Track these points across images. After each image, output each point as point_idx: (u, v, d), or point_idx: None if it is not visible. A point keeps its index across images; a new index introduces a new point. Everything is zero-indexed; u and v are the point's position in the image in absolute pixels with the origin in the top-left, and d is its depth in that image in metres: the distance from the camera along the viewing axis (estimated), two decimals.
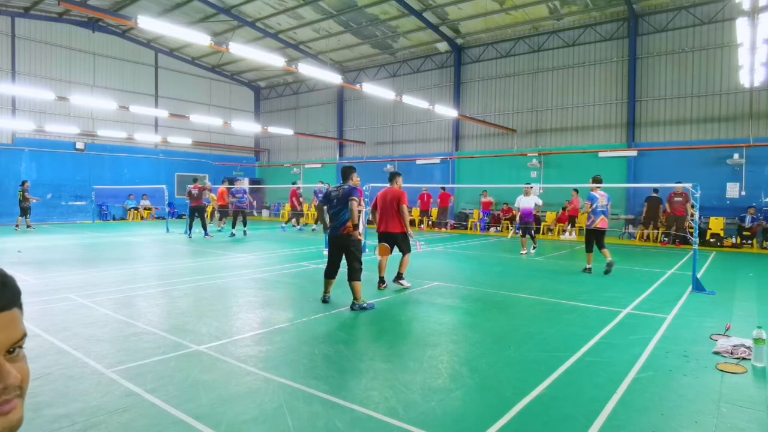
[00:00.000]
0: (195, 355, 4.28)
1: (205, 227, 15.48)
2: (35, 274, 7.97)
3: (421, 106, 16.82)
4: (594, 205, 9.12)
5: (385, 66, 23.20)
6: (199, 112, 24.70)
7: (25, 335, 0.68)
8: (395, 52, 22.38)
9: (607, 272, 8.98)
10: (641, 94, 16.57)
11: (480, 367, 4.09)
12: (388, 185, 7.64)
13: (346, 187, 6.22)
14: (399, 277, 7.51)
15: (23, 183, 16.85)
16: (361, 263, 6.16)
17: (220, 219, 18.45)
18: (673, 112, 16.10)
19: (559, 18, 17.69)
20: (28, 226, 16.76)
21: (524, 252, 12.15)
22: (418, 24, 19.12)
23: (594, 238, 9.25)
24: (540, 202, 12.26)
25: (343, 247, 6.18)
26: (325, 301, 6.33)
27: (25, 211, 16.69)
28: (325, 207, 6.40)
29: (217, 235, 15.99)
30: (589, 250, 9.36)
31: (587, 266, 9.32)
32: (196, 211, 15.53)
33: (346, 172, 6.38)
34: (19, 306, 0.67)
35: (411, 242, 7.67)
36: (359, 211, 12.33)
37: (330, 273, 6.32)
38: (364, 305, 6.02)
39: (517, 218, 12.48)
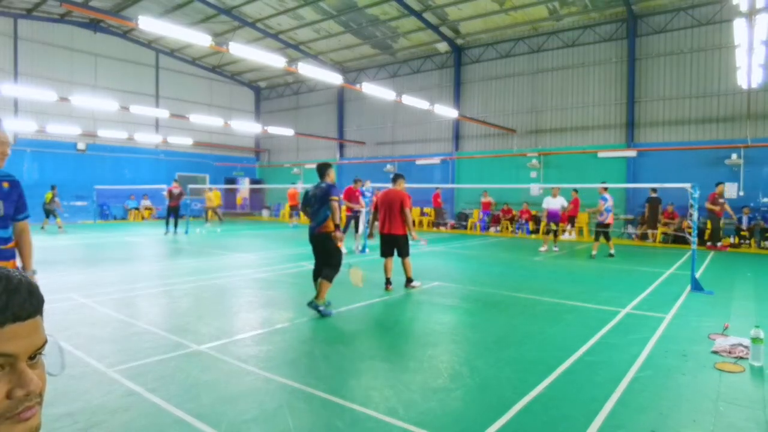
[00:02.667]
0: (196, 354, 4.30)
1: (176, 226, 16.31)
2: (37, 273, 7.98)
3: (421, 107, 16.83)
4: (606, 205, 11.32)
5: (385, 66, 23.22)
6: (200, 112, 24.72)
7: (46, 342, 0.69)
8: (395, 53, 22.41)
9: (611, 255, 11.32)
10: (640, 94, 16.60)
11: (480, 367, 4.11)
12: (390, 186, 7.64)
13: (324, 185, 5.91)
14: (409, 281, 7.48)
15: (53, 187, 17.12)
16: (337, 266, 5.84)
17: (291, 217, 19.88)
18: (671, 113, 16.12)
19: (558, 19, 17.71)
20: (42, 228, 16.87)
21: (544, 249, 12.70)
22: (418, 24, 19.14)
23: (603, 232, 11.30)
24: (566, 203, 12.80)
25: (320, 245, 5.92)
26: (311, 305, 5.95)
27: (49, 213, 16.93)
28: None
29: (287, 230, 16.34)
30: (597, 239, 11.48)
31: (594, 253, 11.41)
32: (174, 210, 16.16)
33: (322, 170, 6.05)
34: (41, 313, 0.69)
35: (418, 241, 7.79)
36: (359, 211, 12.34)
37: (317, 273, 6.05)
38: (321, 308, 5.62)
39: (535, 218, 13.16)
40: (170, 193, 16.21)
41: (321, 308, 5.65)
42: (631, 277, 8.83)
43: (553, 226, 12.59)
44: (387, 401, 3.34)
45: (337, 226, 5.80)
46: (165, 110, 22.31)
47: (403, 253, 7.39)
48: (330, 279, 5.72)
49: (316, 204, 5.86)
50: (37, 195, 20.28)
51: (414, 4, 17.73)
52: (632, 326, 5.39)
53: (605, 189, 11.48)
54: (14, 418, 0.63)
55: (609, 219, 11.37)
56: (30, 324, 0.66)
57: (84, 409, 3.16)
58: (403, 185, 7.57)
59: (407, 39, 20.79)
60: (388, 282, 7.31)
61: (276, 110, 28.38)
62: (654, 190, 15.33)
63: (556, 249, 12.84)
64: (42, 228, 17.10)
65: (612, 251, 11.45)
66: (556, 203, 12.49)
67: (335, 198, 5.77)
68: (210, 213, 21.18)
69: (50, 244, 13.04)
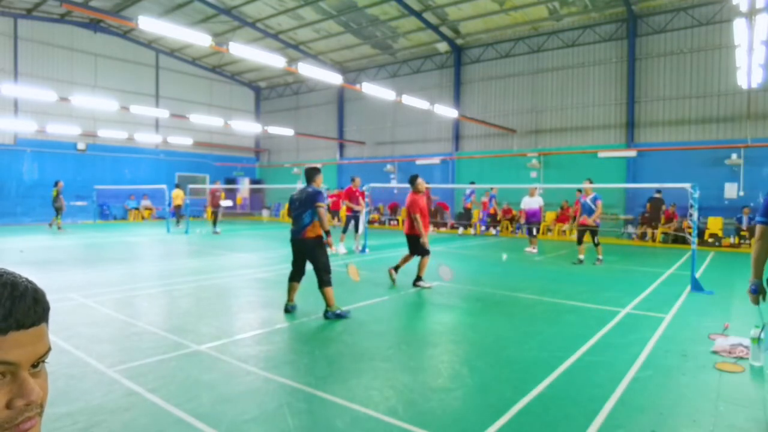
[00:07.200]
0: (196, 354, 4.30)
1: (215, 224, 17.06)
2: (37, 274, 7.98)
3: (421, 107, 16.84)
4: (599, 203, 10.43)
5: (385, 66, 23.22)
6: (200, 112, 24.72)
7: (49, 350, 0.67)
8: (395, 53, 22.41)
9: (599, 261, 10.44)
10: (640, 94, 16.60)
11: (480, 367, 4.11)
12: (409, 187, 7.92)
13: (310, 189, 5.75)
14: (418, 279, 7.56)
15: (56, 183, 16.61)
16: (328, 269, 5.72)
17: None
18: (671, 113, 16.12)
19: (558, 19, 17.71)
20: (58, 228, 16.59)
21: (530, 249, 12.40)
22: (418, 24, 19.15)
23: (592, 232, 10.48)
24: (541, 202, 12.46)
25: (305, 253, 5.78)
26: (287, 310, 5.80)
27: (58, 211, 16.51)
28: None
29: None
30: (581, 242, 10.55)
31: (581, 257, 10.46)
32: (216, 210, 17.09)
33: (310, 174, 5.87)
34: (47, 321, 0.67)
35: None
36: (358, 211, 12.32)
37: (293, 276, 5.91)
38: (338, 312, 5.61)
39: (522, 218, 12.74)
40: (213, 194, 16.83)
41: (338, 312, 5.63)
42: (631, 277, 8.83)
43: (532, 229, 12.30)
44: (387, 401, 3.35)
45: (327, 232, 5.68)
46: (165, 110, 22.31)
47: (419, 252, 7.62)
48: (329, 283, 5.66)
49: (300, 208, 5.73)
50: (38, 195, 20.36)
51: (414, 4, 17.73)
52: (632, 326, 5.39)
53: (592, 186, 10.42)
54: (13, 429, 0.61)
55: (596, 219, 10.38)
56: (34, 332, 0.64)
57: (84, 409, 3.16)
58: (418, 186, 7.67)
59: (407, 39, 20.79)
60: (396, 269, 7.68)
61: (276, 110, 28.37)
62: (658, 191, 15.33)
63: (534, 250, 12.14)
64: (49, 225, 16.92)
65: (600, 257, 10.42)
66: (533, 203, 12.20)
67: (322, 205, 5.64)
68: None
69: (50, 244, 13.04)
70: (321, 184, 5.95)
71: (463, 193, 18.89)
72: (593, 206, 10.24)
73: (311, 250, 5.72)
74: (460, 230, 18.06)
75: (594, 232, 10.39)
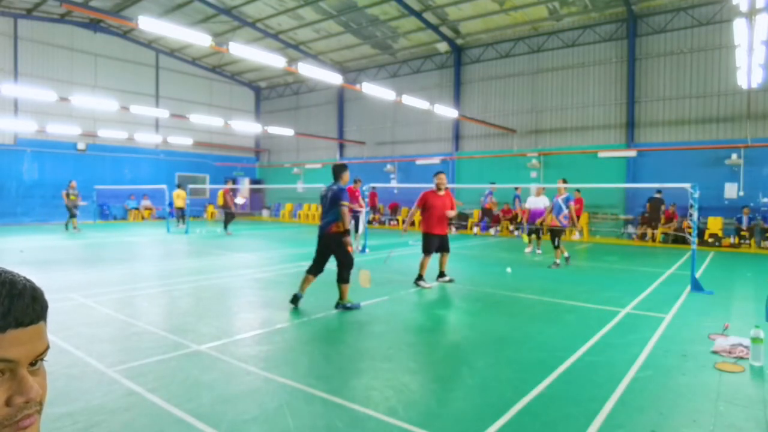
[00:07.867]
0: (196, 354, 4.30)
1: (226, 226, 16.76)
2: (37, 274, 7.99)
3: (421, 107, 16.84)
4: (571, 204, 10.23)
5: (385, 66, 23.22)
6: (200, 112, 24.72)
7: (48, 348, 0.68)
8: (395, 53, 22.40)
9: (556, 264, 9.93)
10: (640, 94, 16.60)
11: (480, 367, 4.11)
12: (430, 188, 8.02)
13: (335, 187, 6.01)
14: (419, 278, 7.61)
15: (70, 183, 16.50)
16: (350, 266, 5.97)
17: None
18: (671, 113, 16.13)
19: (558, 19, 17.72)
20: (74, 227, 16.43)
21: (529, 250, 12.35)
22: (418, 24, 19.15)
23: (559, 234, 10.14)
24: (548, 202, 12.26)
25: (328, 248, 6.01)
26: (294, 299, 5.96)
27: (71, 212, 16.34)
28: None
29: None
30: (558, 245, 10.07)
31: (566, 255, 10.24)
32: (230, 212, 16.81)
33: (337, 171, 6.10)
34: (45, 319, 0.68)
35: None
36: (359, 211, 12.32)
37: (311, 269, 6.09)
38: (348, 305, 5.98)
39: (525, 218, 12.71)
40: (225, 196, 16.62)
41: (348, 305, 5.98)
42: (631, 277, 8.83)
43: (538, 223, 12.02)
44: (387, 401, 3.35)
45: (346, 231, 5.92)
46: (165, 110, 22.31)
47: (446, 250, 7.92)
48: (347, 279, 5.96)
49: (327, 205, 6.04)
50: (38, 195, 20.37)
51: (414, 4, 17.73)
52: (632, 326, 5.39)
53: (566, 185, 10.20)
54: (13, 426, 0.61)
55: (561, 219, 10.05)
56: (32, 330, 0.64)
57: (84, 409, 3.16)
58: (437, 183, 7.78)
59: (407, 39, 20.78)
60: (421, 277, 7.67)
61: (276, 110, 28.37)
62: (658, 191, 15.32)
63: (539, 252, 12.05)
64: (65, 228, 16.78)
65: (558, 261, 9.95)
66: (539, 203, 11.83)
67: (345, 203, 5.89)
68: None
69: (51, 244, 13.04)
70: (347, 180, 6.15)
71: (482, 194, 18.76)
72: (564, 206, 10.05)
73: (336, 246, 5.98)
74: (486, 231, 17.99)
75: (558, 234, 10.03)
